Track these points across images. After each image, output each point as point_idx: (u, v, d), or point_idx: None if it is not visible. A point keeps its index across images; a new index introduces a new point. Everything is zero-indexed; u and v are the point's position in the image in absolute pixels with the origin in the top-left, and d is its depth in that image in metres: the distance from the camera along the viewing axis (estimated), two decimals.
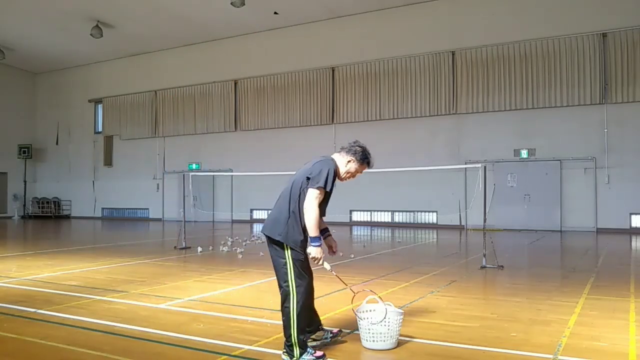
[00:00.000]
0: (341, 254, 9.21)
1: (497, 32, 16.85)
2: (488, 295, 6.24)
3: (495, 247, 8.64)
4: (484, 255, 8.10)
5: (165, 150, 23.51)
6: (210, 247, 11.23)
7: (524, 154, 16.52)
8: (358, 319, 3.78)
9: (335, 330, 3.90)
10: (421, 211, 18.29)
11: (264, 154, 20.61)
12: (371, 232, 16.38)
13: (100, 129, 25.65)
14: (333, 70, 19.58)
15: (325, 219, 3.78)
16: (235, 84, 21.68)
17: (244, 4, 17.25)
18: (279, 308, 3.60)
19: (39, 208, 26.35)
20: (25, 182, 26.33)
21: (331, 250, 3.92)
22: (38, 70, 27.00)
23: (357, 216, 19.37)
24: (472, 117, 17.34)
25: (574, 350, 3.71)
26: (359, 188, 16.88)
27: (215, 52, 22.03)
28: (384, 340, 3.68)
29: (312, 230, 3.47)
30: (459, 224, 17.09)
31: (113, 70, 24.79)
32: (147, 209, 23.91)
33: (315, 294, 3.81)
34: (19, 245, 12.76)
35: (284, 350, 3.52)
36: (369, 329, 3.69)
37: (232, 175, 20.83)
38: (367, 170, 3.81)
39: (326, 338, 3.78)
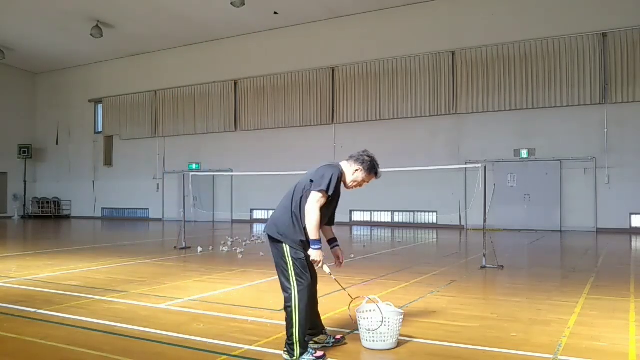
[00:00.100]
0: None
1: (497, 32, 16.85)
2: (488, 295, 6.24)
3: (495, 247, 8.63)
4: (484, 255, 8.10)
5: (165, 150, 23.51)
6: (210, 247, 11.23)
7: (524, 154, 16.52)
8: (358, 319, 3.78)
9: (338, 336, 3.89)
10: (421, 211, 18.29)
11: (264, 154, 20.61)
12: (371, 232, 16.39)
13: (100, 129, 25.65)
14: (333, 70, 19.58)
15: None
16: (235, 84, 21.68)
17: (244, 4, 17.26)
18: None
19: (39, 208, 26.35)
20: (25, 182, 26.33)
21: (337, 260, 3.92)
22: (38, 70, 27.00)
23: (357, 216, 19.38)
24: (472, 117, 17.34)
25: (574, 350, 3.71)
26: (359, 188, 16.84)
27: (215, 52, 22.03)
28: (384, 340, 3.68)
29: (313, 233, 3.49)
30: (459, 224, 17.09)
31: (113, 70, 24.79)
32: (147, 209, 23.91)
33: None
34: (19, 245, 12.76)
35: (285, 350, 3.53)
36: (369, 329, 3.69)
37: (232, 175, 20.83)
38: (374, 180, 3.81)
39: (328, 343, 3.78)
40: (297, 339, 3.46)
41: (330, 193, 3.52)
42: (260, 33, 20.86)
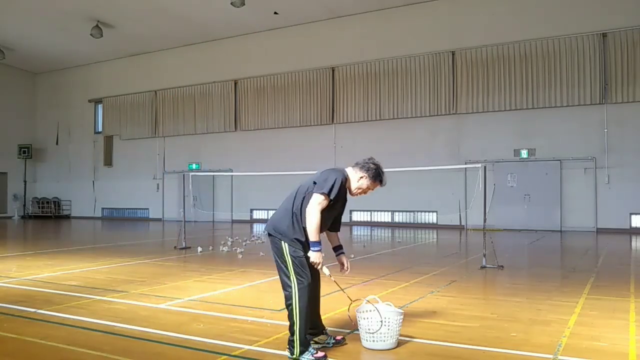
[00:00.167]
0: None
1: (497, 32, 16.85)
2: (488, 295, 6.24)
3: (495, 247, 8.63)
4: (484, 255, 8.10)
5: (165, 150, 23.51)
6: (210, 247, 11.23)
7: (524, 154, 16.52)
8: (358, 319, 3.78)
9: (339, 337, 3.90)
10: (421, 211, 18.29)
11: (264, 154, 20.61)
12: (371, 232, 16.38)
13: (100, 129, 25.65)
14: (333, 70, 19.58)
15: None
16: (235, 84, 21.68)
17: (244, 4, 17.25)
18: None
19: (39, 208, 26.35)
20: (25, 182, 26.33)
21: (342, 268, 3.91)
22: (38, 70, 27.00)
23: (357, 216, 19.37)
24: (472, 117, 17.34)
25: (574, 350, 3.71)
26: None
27: (215, 52, 22.03)
28: (384, 340, 3.68)
29: (312, 235, 3.51)
30: (459, 224, 17.09)
31: (113, 70, 24.78)
32: (147, 209, 23.91)
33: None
34: (19, 245, 12.76)
35: (288, 347, 3.57)
36: (369, 329, 3.69)
37: (232, 175, 20.83)
38: (379, 187, 3.81)
39: (328, 343, 3.78)
40: (298, 337, 3.48)
41: (332, 197, 3.53)
42: (260, 33, 20.86)
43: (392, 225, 18.62)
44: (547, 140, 16.20)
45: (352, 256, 9.45)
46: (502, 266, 7.92)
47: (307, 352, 3.47)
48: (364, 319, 3.74)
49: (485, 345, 3.85)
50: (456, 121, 17.60)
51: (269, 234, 3.69)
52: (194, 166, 22.53)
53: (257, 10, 18.68)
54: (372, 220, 19.19)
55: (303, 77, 20.15)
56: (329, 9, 18.73)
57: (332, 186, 3.52)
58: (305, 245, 3.58)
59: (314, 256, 3.53)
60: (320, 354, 3.50)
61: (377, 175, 3.72)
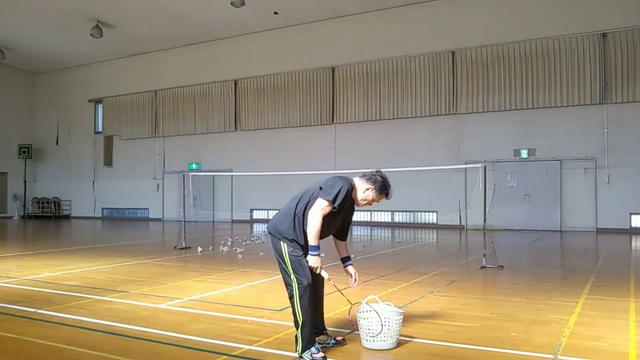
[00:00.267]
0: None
1: (497, 32, 16.85)
2: (488, 295, 6.24)
3: (495, 247, 8.64)
4: (484, 255, 8.10)
5: (165, 150, 23.51)
6: (210, 247, 11.23)
7: (524, 154, 16.52)
8: (358, 319, 3.78)
9: (339, 337, 3.91)
10: (421, 211, 18.29)
11: (264, 154, 20.61)
12: (371, 232, 16.39)
13: (100, 129, 25.65)
14: (333, 70, 19.58)
15: None
16: (235, 84, 21.68)
17: (244, 4, 17.25)
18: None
19: (39, 208, 26.35)
20: (25, 182, 26.32)
21: (351, 279, 3.90)
22: (38, 70, 27.00)
23: (357, 216, 19.36)
24: (472, 117, 17.34)
25: (574, 350, 3.71)
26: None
27: (215, 52, 22.03)
28: (384, 340, 3.68)
29: (312, 239, 3.53)
30: (459, 224, 17.09)
31: (113, 70, 24.79)
32: (147, 209, 23.91)
33: None
34: (19, 245, 12.76)
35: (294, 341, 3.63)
36: (369, 329, 3.69)
37: (232, 175, 20.83)
38: (384, 200, 3.83)
39: (328, 343, 3.79)
40: (299, 335, 3.53)
41: (336, 204, 3.54)
42: (260, 33, 20.85)
43: (392, 225, 18.63)
44: (547, 140, 16.20)
45: (352, 256, 9.41)
46: (502, 266, 7.92)
47: (307, 351, 3.49)
48: (364, 319, 3.74)
49: (485, 345, 3.85)
50: (456, 121, 17.59)
51: (270, 233, 3.73)
52: (194, 166, 22.53)
53: (257, 10, 18.68)
54: (372, 220, 19.19)
55: (303, 77, 20.15)
56: (329, 9, 18.73)
57: (338, 193, 3.54)
58: (304, 248, 3.61)
59: (312, 260, 3.56)
60: (320, 354, 3.51)
61: (383, 188, 3.75)
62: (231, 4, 17.28)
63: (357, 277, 3.90)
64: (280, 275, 3.72)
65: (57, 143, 26.73)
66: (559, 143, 16.00)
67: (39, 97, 27.41)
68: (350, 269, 3.90)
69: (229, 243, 11.52)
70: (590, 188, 15.69)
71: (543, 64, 16.20)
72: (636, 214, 15.28)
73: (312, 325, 3.59)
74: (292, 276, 3.57)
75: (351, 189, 3.67)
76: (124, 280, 6.83)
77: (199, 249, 10.51)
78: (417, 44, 18.07)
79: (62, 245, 12.26)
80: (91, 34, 20.11)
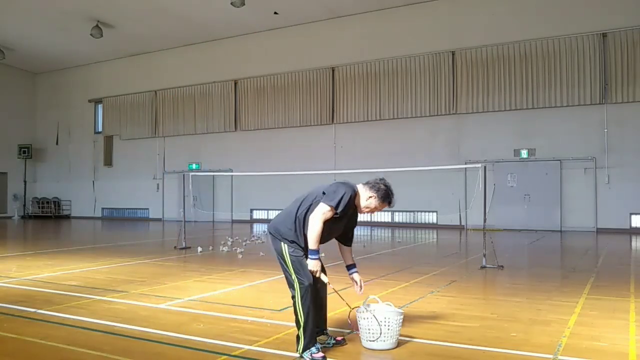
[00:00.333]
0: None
1: (497, 32, 16.85)
2: (488, 295, 6.24)
3: (495, 247, 8.63)
4: (484, 255, 8.10)
5: (165, 150, 23.51)
6: (210, 247, 11.23)
7: (524, 154, 16.52)
8: (358, 319, 3.78)
9: (339, 338, 3.91)
10: (421, 211, 18.29)
11: (264, 154, 20.62)
12: (371, 232, 16.39)
13: (100, 129, 25.65)
14: (333, 70, 19.58)
15: None
16: (235, 84, 21.68)
17: (244, 4, 17.25)
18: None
19: (39, 208, 26.34)
20: (25, 182, 26.32)
21: (356, 286, 3.91)
22: (38, 70, 27.00)
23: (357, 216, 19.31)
24: (472, 117, 17.33)
25: (574, 350, 3.71)
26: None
27: (215, 52, 22.03)
28: (384, 341, 3.68)
29: (312, 243, 3.54)
30: (459, 224, 17.09)
31: (113, 70, 24.79)
32: (147, 209, 23.91)
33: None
34: (19, 245, 12.76)
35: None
36: (369, 329, 3.69)
37: (232, 175, 20.83)
38: (387, 208, 3.85)
39: (328, 343, 3.80)
40: (300, 334, 3.54)
41: (338, 210, 3.55)
42: (260, 33, 20.85)
43: (392, 225, 18.63)
44: (547, 140, 16.20)
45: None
46: (502, 266, 7.92)
47: (308, 351, 3.50)
48: (364, 319, 3.74)
49: (485, 345, 3.85)
50: (456, 121, 17.59)
51: (270, 233, 3.75)
52: (194, 166, 22.53)
53: (257, 10, 18.68)
54: (372, 220, 19.17)
55: (303, 77, 20.15)
56: (329, 9, 18.73)
57: (341, 199, 3.54)
58: (304, 250, 3.62)
59: (311, 264, 3.56)
60: (320, 354, 3.51)
61: (386, 197, 3.77)
62: (231, 4, 17.29)
63: (362, 285, 3.90)
64: (283, 276, 3.73)
65: (57, 143, 26.73)
66: (559, 143, 16.00)
67: (39, 97, 27.41)
68: (356, 276, 3.90)
69: (229, 243, 11.52)
70: (590, 188, 15.69)
71: (543, 64, 16.20)
72: (636, 214, 15.28)
73: (314, 325, 3.59)
74: (294, 276, 3.58)
75: (354, 195, 3.67)
76: (124, 280, 6.83)
77: (199, 249, 10.51)
78: (417, 44, 18.07)
79: (62, 245, 12.26)
80: (91, 34, 20.11)
